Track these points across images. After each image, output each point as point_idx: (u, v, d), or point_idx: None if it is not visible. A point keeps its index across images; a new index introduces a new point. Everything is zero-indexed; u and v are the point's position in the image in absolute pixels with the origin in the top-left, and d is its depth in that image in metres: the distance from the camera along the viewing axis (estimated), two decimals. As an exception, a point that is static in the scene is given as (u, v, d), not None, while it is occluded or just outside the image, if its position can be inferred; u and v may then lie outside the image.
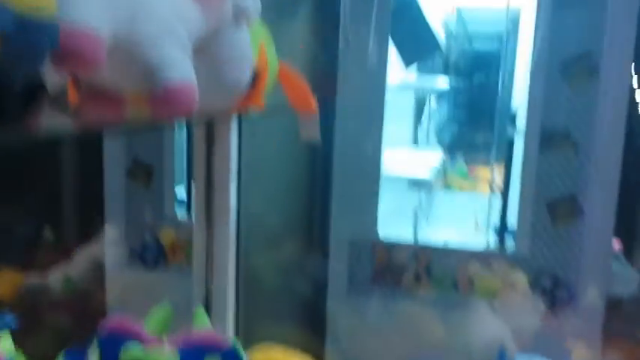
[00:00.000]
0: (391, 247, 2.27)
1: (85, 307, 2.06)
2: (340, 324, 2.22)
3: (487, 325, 2.04)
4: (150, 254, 2.36)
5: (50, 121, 0.64)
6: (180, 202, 2.44)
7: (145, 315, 1.11)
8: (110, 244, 2.24)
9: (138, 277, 2.37)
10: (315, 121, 1.07)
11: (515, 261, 2.19)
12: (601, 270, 2.13)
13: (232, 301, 1.25)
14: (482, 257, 2.22)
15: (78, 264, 2.00)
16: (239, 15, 0.83)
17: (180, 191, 2.45)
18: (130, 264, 2.36)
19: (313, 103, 1.05)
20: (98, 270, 2.12)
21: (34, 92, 0.54)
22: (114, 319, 1.05)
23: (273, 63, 0.99)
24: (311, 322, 2.22)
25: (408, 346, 2.10)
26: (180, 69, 0.70)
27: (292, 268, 2.22)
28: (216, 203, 1.19)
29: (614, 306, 2.04)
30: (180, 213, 2.42)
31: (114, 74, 0.67)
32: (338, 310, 2.25)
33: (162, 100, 0.69)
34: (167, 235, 2.31)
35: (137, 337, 1.03)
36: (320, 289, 2.23)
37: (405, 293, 2.23)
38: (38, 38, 0.49)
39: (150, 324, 1.09)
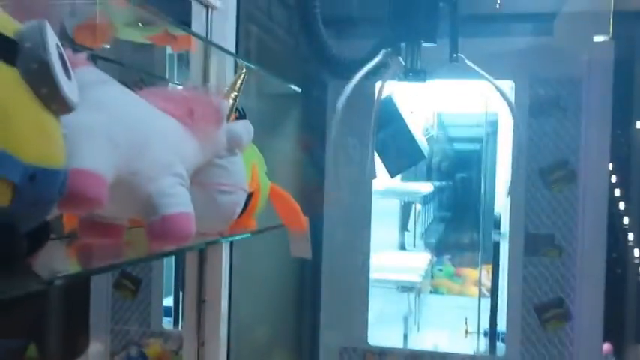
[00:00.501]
0: (382, 354, 2.24)
1: None
2: None
3: None
4: (136, 367, 2.30)
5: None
6: (167, 313, 2.41)
7: None
8: (95, 358, 2.19)
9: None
10: (306, 239, 1.10)
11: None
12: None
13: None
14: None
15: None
16: (233, 144, 0.87)
17: (168, 302, 2.43)
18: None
19: (304, 222, 1.08)
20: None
21: (39, 232, 0.56)
22: None
23: (264, 184, 1.02)
24: None
25: None
26: (178, 200, 0.73)
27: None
28: (207, 316, 1.19)
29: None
30: (167, 324, 2.38)
31: (115, 207, 0.70)
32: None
33: (161, 229, 0.71)
34: (153, 347, 2.27)
35: None
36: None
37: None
38: (49, 188, 0.52)
39: None
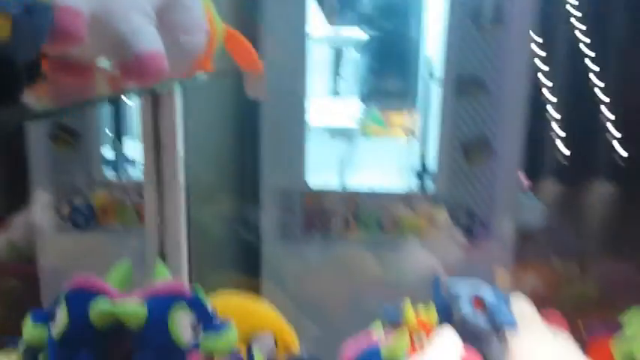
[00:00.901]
0: (320, 195, 2.38)
1: (30, 270, 2.06)
2: (275, 269, 2.32)
3: (417, 259, 2.21)
4: (80, 216, 2.36)
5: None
6: (108, 162, 2.43)
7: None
8: (40, 208, 2.22)
9: (70, 240, 2.37)
10: (261, 80, 1.13)
11: (435, 200, 2.36)
12: (511, 204, 2.33)
13: (185, 253, 1.32)
14: (405, 198, 2.37)
15: (17, 229, 1.99)
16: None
17: (107, 152, 2.44)
18: (60, 227, 2.35)
19: (259, 63, 1.11)
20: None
21: (34, 67, 0.58)
22: (79, 278, 1.10)
23: (219, 26, 1.03)
24: (249, 269, 2.31)
25: (346, 285, 2.24)
26: (150, 38, 0.75)
27: (229, 220, 2.29)
28: (165, 163, 1.24)
29: (523, 235, 2.25)
30: (109, 174, 2.42)
31: (88, 46, 0.71)
32: (273, 256, 2.35)
33: (134, 67, 0.74)
34: (99, 197, 2.32)
35: (103, 293, 1.09)
36: (256, 237, 2.31)
37: (336, 238, 2.35)
38: (41, 21, 0.54)
39: (112, 280, 1.14)
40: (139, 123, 1.27)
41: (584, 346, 1.20)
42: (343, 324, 1.45)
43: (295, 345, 1.28)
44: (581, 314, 1.32)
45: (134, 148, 2.48)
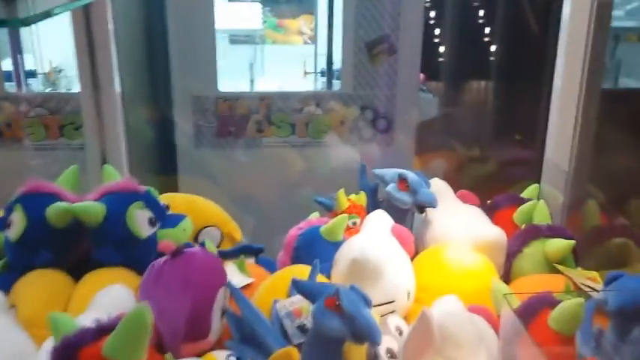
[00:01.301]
0: (232, 99, 2.43)
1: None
2: (191, 176, 2.37)
3: (338, 153, 2.34)
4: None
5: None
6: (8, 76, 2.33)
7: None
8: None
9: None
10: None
11: (342, 99, 2.48)
12: (412, 99, 2.50)
13: (125, 155, 1.36)
14: (314, 98, 2.47)
15: None
16: None
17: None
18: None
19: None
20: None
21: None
22: (30, 183, 1.13)
23: None
24: (167, 176, 2.34)
25: (273, 182, 2.34)
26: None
27: (145, 127, 2.29)
28: (101, 69, 1.25)
29: (424, 126, 2.44)
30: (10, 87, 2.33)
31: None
32: (187, 164, 2.40)
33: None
34: (4, 111, 2.24)
35: (58, 195, 1.13)
36: (171, 144, 2.34)
37: (250, 142, 2.43)
38: None
39: (63, 183, 1.17)
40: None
41: (491, 215, 1.39)
42: (277, 214, 1.56)
43: (239, 235, 1.39)
44: (486, 191, 1.51)
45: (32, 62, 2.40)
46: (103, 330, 0.68)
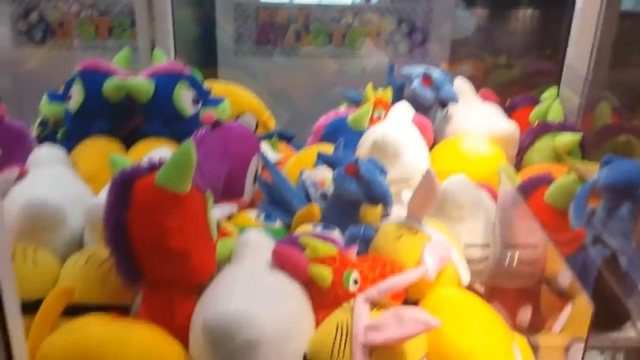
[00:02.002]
0: (273, 9, 2.50)
1: None
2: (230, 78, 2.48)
3: (370, 56, 2.43)
4: (37, 31, 2.41)
5: None
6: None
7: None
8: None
9: (27, 54, 2.43)
10: None
11: (379, 11, 2.53)
12: (448, 15, 2.54)
13: (173, 46, 1.48)
14: (352, 10, 2.53)
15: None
16: None
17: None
18: (18, 41, 2.41)
19: None
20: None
21: None
22: (89, 61, 1.26)
23: None
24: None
25: (308, 81, 2.45)
26: None
27: (191, 28, 2.39)
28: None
29: (458, 40, 2.48)
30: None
31: None
32: (227, 68, 2.50)
33: None
34: (57, 10, 2.36)
35: (113, 72, 1.26)
36: (212, 51, 2.45)
37: (289, 50, 2.52)
38: None
39: (117, 63, 1.30)
40: None
41: (509, 114, 1.48)
42: (310, 110, 1.67)
43: (273, 123, 1.51)
44: (508, 92, 1.59)
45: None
46: (155, 166, 0.81)
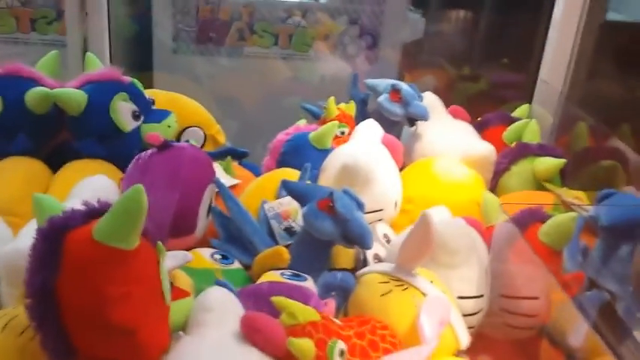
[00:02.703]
0: (215, 4, 2.32)
1: None
2: (168, 78, 2.28)
3: (321, 65, 2.28)
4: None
5: None
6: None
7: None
8: None
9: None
10: None
11: (329, 11, 2.39)
12: (399, 17, 2.42)
13: (108, 49, 1.29)
14: (300, 8, 2.37)
15: None
16: None
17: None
18: None
19: None
20: None
21: None
22: (9, 65, 1.06)
23: None
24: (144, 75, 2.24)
25: (258, 87, 2.27)
26: None
27: (127, 24, 2.18)
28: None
29: (411, 45, 2.37)
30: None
31: None
32: (165, 66, 2.30)
33: None
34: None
35: (38, 80, 1.06)
36: (148, 50, 2.24)
37: (231, 51, 2.34)
38: None
39: (42, 68, 1.10)
40: None
41: (481, 132, 1.37)
42: (261, 120, 1.52)
43: (222, 138, 1.34)
44: (477, 107, 1.48)
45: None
46: (93, 213, 0.64)
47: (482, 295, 0.87)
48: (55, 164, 1.06)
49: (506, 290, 0.90)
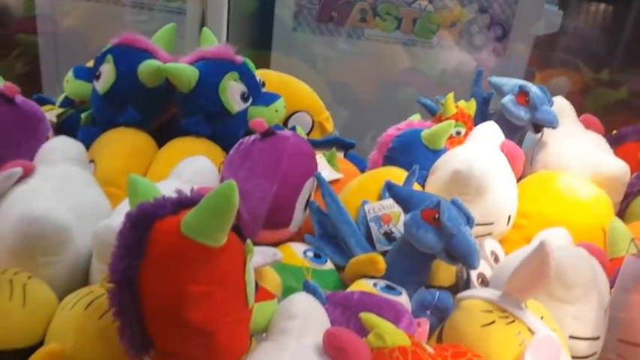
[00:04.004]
0: (339, -17, 2.26)
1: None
2: (285, 57, 2.26)
3: (445, 55, 2.17)
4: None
5: None
6: None
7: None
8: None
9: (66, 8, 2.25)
10: None
11: (460, 1, 2.26)
12: (534, 9, 2.25)
13: (225, 23, 1.27)
14: (427, -6, 2.27)
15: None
16: None
17: None
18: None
19: None
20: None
21: None
22: (125, 35, 1.06)
23: None
24: (261, 52, 2.24)
25: (375, 73, 2.21)
26: None
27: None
28: None
29: (546, 40, 2.21)
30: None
31: None
32: (283, 44, 2.28)
33: None
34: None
35: (152, 52, 1.05)
36: (268, 26, 2.22)
37: (351, 32, 2.28)
38: None
39: (159, 41, 1.10)
40: None
41: (615, 148, 1.24)
42: (374, 110, 1.46)
43: (331, 126, 1.29)
44: (613, 118, 1.34)
45: None
46: (183, 203, 0.61)
47: (597, 337, 0.77)
48: (162, 139, 1.05)
49: (626, 335, 0.79)
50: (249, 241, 0.64)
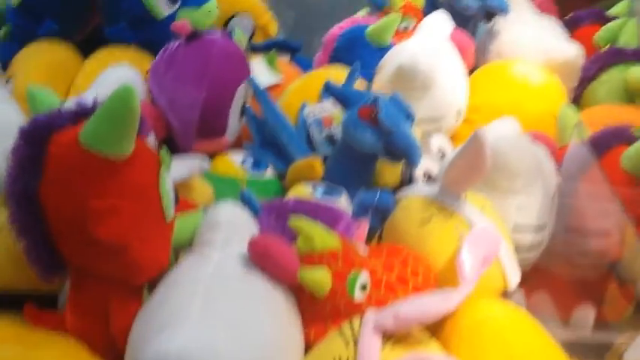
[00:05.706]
0: None
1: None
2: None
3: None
4: None
5: None
6: None
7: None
8: None
9: None
10: None
11: None
12: None
13: None
14: None
15: None
16: None
17: None
18: None
19: None
20: None
21: None
22: None
23: None
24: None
25: None
26: None
27: None
28: None
29: None
30: None
31: None
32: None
33: None
34: None
35: None
36: None
37: None
38: None
39: None
40: None
41: (570, 32, 1.18)
42: (323, 10, 1.38)
43: (274, 28, 1.22)
44: (567, 3, 1.28)
45: None
46: (83, 113, 0.55)
47: (543, 226, 0.74)
48: (86, 51, 0.98)
49: (573, 222, 0.77)
50: (163, 150, 0.60)
